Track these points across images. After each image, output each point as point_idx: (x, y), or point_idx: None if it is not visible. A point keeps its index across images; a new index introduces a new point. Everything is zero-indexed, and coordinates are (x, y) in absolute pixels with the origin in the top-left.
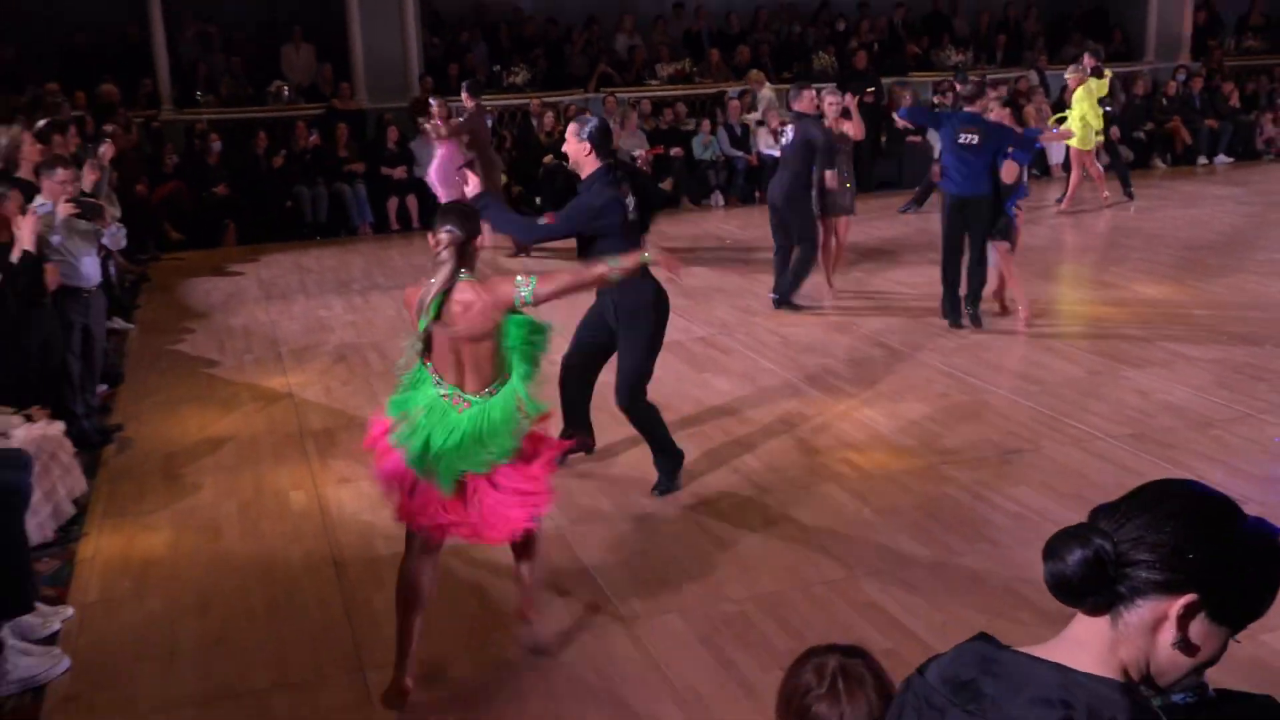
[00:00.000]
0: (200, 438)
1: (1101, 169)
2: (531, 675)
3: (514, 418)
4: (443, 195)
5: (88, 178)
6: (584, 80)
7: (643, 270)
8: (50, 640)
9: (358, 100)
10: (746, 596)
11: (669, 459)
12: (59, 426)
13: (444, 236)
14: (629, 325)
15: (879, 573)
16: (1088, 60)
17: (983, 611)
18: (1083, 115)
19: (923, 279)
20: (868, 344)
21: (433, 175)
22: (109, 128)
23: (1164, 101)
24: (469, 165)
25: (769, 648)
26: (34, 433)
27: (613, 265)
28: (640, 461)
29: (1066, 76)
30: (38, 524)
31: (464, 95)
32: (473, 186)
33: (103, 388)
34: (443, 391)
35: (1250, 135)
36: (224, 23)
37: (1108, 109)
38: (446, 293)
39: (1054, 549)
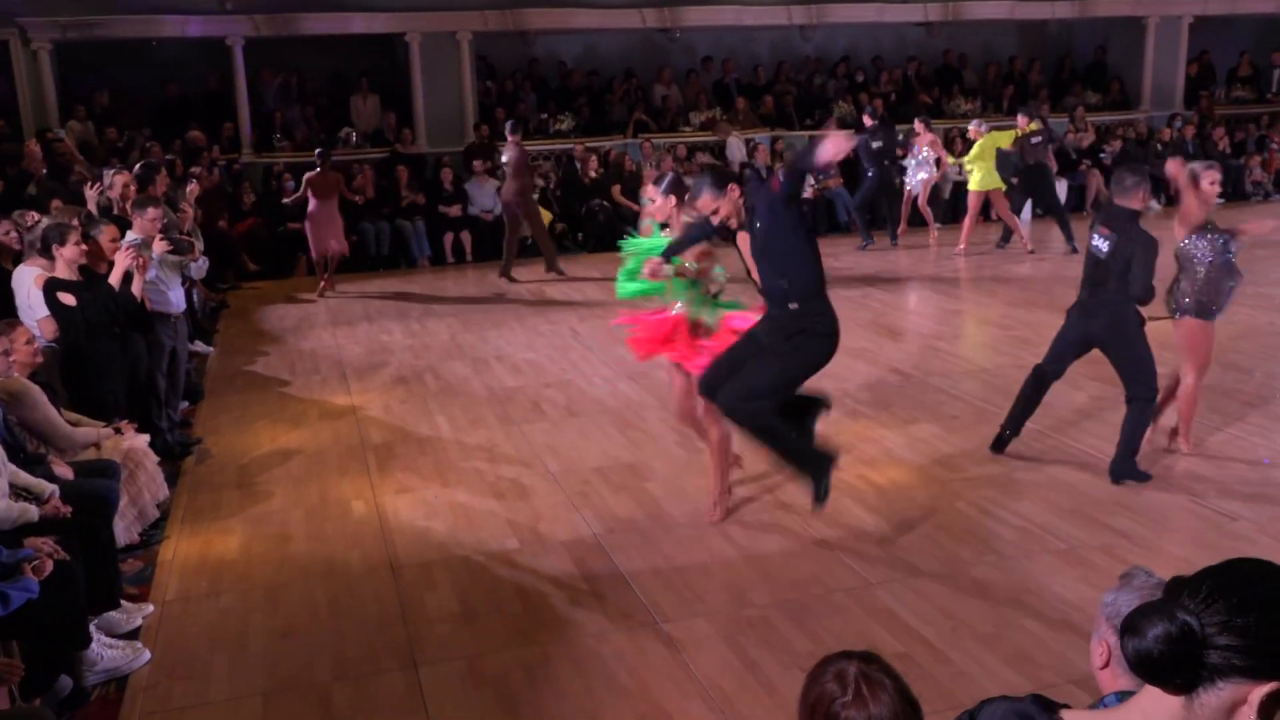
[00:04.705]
0: (271, 450)
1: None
2: (570, 673)
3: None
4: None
5: (185, 218)
6: (623, 127)
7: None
8: (133, 635)
9: (418, 145)
10: (769, 602)
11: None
12: (144, 439)
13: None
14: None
15: (892, 581)
16: (1021, 119)
17: (989, 620)
18: (978, 167)
19: (933, 308)
20: (883, 369)
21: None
22: (195, 170)
23: (1159, 147)
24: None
25: (790, 650)
26: (122, 444)
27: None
28: (671, 477)
29: (969, 127)
30: (124, 527)
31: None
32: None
33: (184, 404)
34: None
35: (1239, 178)
36: (298, 75)
37: (1104, 156)
38: None
39: (1135, 624)
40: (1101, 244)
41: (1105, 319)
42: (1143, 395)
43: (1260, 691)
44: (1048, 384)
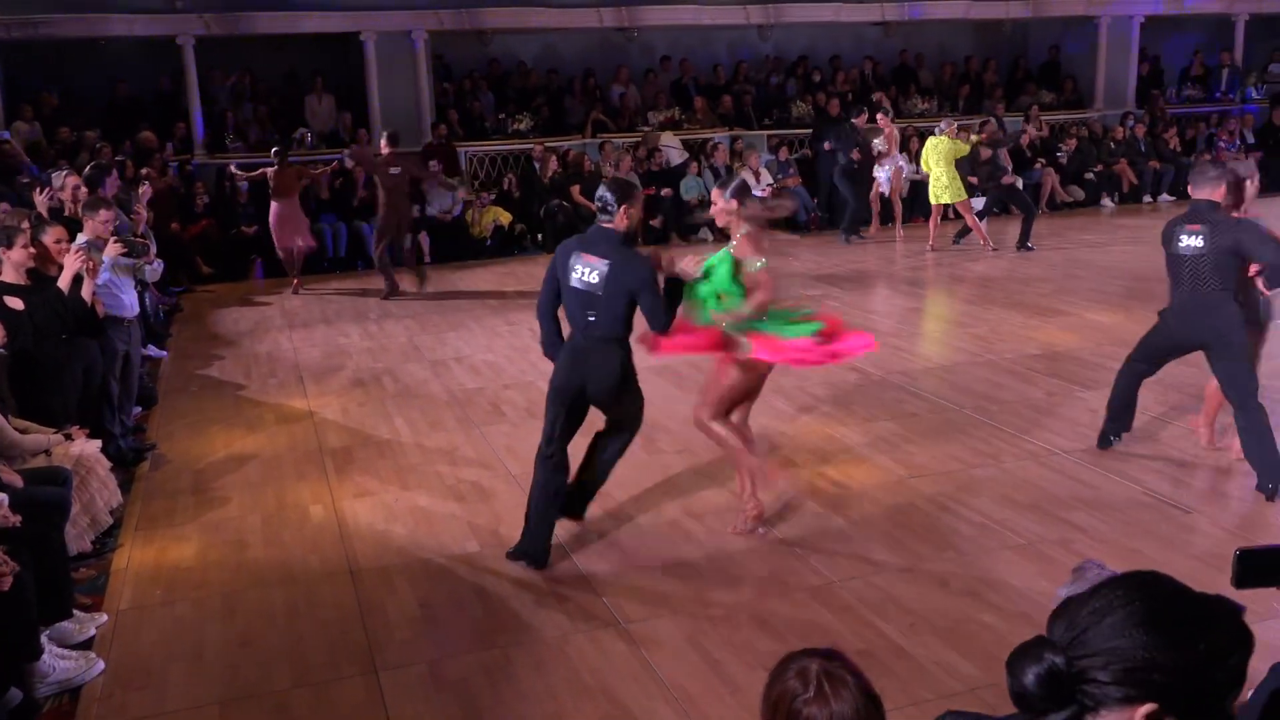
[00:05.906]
0: (227, 455)
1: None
2: (533, 675)
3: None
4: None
5: (139, 220)
6: (582, 127)
7: None
8: (86, 645)
9: (374, 146)
10: (731, 601)
11: None
12: (96, 444)
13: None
14: None
15: (853, 579)
16: (980, 125)
17: (949, 615)
18: (939, 174)
19: (893, 307)
20: (842, 367)
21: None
22: (146, 171)
23: (1112, 146)
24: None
25: (752, 649)
26: (73, 450)
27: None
28: (630, 478)
29: (939, 129)
30: (76, 535)
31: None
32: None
33: (137, 410)
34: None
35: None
36: (251, 75)
37: (1059, 155)
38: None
39: (1011, 665)
40: (1194, 240)
41: (1210, 321)
42: (1246, 402)
43: (1141, 712)
44: (1139, 383)
